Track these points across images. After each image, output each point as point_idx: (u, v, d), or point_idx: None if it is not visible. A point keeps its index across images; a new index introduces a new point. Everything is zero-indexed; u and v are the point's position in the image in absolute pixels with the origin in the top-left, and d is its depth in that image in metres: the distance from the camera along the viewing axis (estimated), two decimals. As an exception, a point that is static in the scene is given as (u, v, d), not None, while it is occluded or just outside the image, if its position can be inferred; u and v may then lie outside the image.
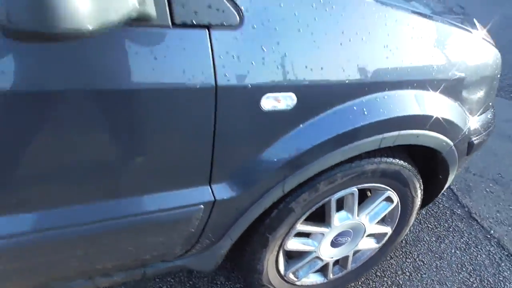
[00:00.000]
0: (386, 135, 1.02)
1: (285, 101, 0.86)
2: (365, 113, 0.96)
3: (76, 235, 0.84)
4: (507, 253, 1.74)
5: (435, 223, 1.84)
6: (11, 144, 0.70)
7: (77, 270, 0.96)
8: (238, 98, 0.81)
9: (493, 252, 1.74)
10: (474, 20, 1.27)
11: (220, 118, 0.82)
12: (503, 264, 1.69)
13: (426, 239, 1.75)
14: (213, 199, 0.93)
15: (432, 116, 1.07)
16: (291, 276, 1.31)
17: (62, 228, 0.82)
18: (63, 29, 0.48)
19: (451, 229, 1.82)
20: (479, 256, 1.71)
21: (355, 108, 0.95)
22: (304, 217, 1.15)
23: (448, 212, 1.91)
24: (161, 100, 0.76)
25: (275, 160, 0.93)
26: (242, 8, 0.77)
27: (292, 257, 1.31)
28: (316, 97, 0.90)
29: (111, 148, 0.78)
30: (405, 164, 1.18)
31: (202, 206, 0.93)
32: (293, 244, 1.21)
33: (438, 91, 1.07)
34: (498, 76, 1.26)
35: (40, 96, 0.67)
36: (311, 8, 0.84)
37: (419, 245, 1.72)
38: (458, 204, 1.96)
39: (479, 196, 2.04)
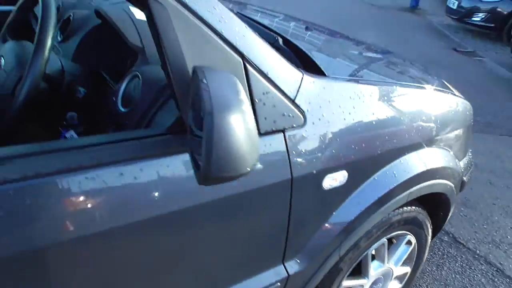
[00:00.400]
0: (411, 190, 1.20)
1: (339, 178, 1.01)
2: (395, 175, 1.14)
3: None
4: (496, 269, 1.97)
5: (431, 253, 2.03)
6: None
7: None
8: (307, 184, 0.95)
9: (485, 270, 1.96)
10: (443, 81, 1.55)
11: (294, 204, 0.95)
12: (496, 279, 1.91)
13: (428, 269, 1.94)
14: (286, 274, 1.03)
15: (440, 167, 1.28)
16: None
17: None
18: (243, 172, 0.59)
19: (445, 256, 2.02)
20: (475, 276, 1.92)
21: (387, 173, 1.12)
22: (347, 273, 1.27)
23: (437, 241, 2.12)
24: (250, 199, 0.87)
25: (334, 229, 1.07)
26: (305, 110, 0.92)
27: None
28: (361, 170, 1.06)
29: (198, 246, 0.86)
30: (419, 209, 1.37)
31: (278, 283, 1.03)
32: (339, 299, 1.32)
33: (435, 146, 1.29)
34: (472, 123, 1.52)
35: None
36: (350, 100, 1.02)
37: (425, 277, 1.89)
38: (442, 232, 2.19)
39: (456, 220, 2.29)
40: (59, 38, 1.38)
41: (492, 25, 6.88)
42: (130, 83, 0.96)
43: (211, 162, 0.56)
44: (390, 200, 1.15)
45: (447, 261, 2.00)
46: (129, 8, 1.14)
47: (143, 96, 0.89)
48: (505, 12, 6.74)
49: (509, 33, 6.69)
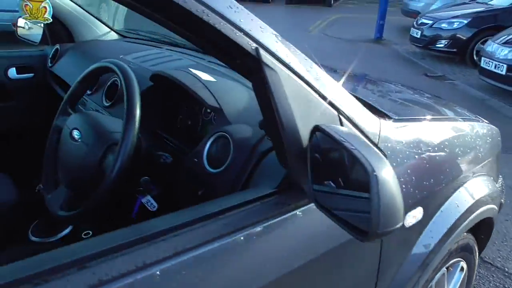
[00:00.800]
0: (471, 217, 1.25)
1: (417, 215, 1.05)
2: (458, 206, 1.19)
3: None
4: (527, 284, 2.03)
5: (464, 276, 2.08)
6: None
7: None
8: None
9: (518, 286, 2.01)
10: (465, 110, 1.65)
11: (383, 247, 0.97)
12: (530, 294, 1.97)
13: (466, 293, 1.97)
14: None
15: (488, 193, 1.34)
16: None
17: None
18: (400, 223, 0.62)
19: (478, 277, 2.07)
20: (511, 294, 1.97)
21: (451, 204, 1.17)
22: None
23: (466, 263, 2.17)
24: (347, 248, 0.89)
25: (414, 265, 1.09)
26: (386, 153, 0.96)
27: None
28: (433, 204, 1.10)
29: None
30: (470, 235, 1.42)
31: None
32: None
33: (481, 173, 1.36)
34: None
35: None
36: (417, 138, 1.08)
37: (466, 301, 1.92)
38: (468, 254, 2.25)
39: (477, 241, 2.36)
40: (105, 103, 1.39)
41: (455, 50, 7.34)
42: (214, 143, 0.98)
43: (380, 219, 0.58)
44: (456, 230, 1.19)
45: (481, 282, 2.04)
46: (192, 71, 1.18)
47: (235, 156, 0.91)
48: (465, 38, 7.22)
49: (471, 56, 7.15)
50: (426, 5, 10.48)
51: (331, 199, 0.70)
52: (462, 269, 1.48)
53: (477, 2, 8.10)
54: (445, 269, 1.35)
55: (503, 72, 5.14)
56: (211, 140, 0.98)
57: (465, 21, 7.22)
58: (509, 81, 5.13)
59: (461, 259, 1.43)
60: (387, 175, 0.61)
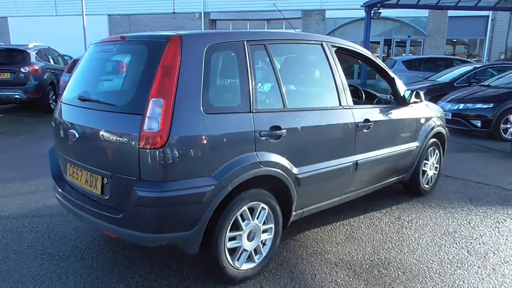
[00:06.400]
0: (435, 129, 4.45)
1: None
2: (432, 125, 4.40)
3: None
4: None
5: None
6: None
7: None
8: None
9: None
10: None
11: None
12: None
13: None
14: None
15: (440, 122, 4.55)
16: None
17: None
18: None
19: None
20: None
21: (429, 124, 4.38)
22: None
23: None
24: None
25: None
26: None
27: None
28: (426, 124, 4.30)
29: None
30: (435, 138, 4.58)
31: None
32: None
33: (437, 116, 4.55)
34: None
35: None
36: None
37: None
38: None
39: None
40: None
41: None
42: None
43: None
44: (432, 132, 4.37)
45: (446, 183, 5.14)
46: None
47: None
48: (424, 102, 10.89)
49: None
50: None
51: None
52: (435, 151, 4.59)
53: (427, 80, 11.94)
54: (432, 149, 4.46)
55: (450, 118, 8.59)
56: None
57: (423, 91, 10.96)
58: (454, 123, 8.53)
59: (435, 147, 4.55)
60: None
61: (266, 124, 2.69)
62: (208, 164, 2.43)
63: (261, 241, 2.81)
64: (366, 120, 3.47)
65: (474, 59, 19.34)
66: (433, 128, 4.39)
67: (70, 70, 9.37)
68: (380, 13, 12.93)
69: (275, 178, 2.76)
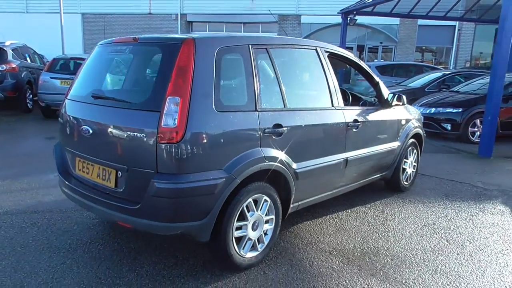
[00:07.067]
0: (414, 130, 4.80)
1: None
2: (411, 126, 4.74)
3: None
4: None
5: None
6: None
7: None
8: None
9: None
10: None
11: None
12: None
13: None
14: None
15: (418, 124, 4.89)
16: None
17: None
18: None
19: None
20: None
21: (409, 125, 4.72)
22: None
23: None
24: None
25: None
26: None
27: None
28: (406, 126, 4.63)
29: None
30: (413, 139, 4.93)
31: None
32: None
33: (415, 118, 4.90)
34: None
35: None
36: (400, 105, 4.65)
37: (418, 178, 5.35)
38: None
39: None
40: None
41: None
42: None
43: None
44: (411, 133, 4.71)
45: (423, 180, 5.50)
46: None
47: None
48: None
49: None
50: (365, 89, 15.01)
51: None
52: (413, 150, 4.94)
53: (400, 85, 12.49)
54: (411, 148, 4.81)
55: (422, 121, 9.07)
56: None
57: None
58: (426, 126, 8.96)
59: (414, 147, 4.90)
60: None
61: (269, 122, 2.90)
62: (219, 158, 2.63)
63: (263, 231, 3.02)
64: (355, 120, 3.75)
65: (441, 66, 20.26)
66: (412, 129, 4.74)
67: (50, 69, 9.28)
68: (356, 19, 13.44)
69: (276, 172, 2.97)
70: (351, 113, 3.76)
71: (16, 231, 3.47)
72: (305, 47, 3.54)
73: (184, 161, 2.49)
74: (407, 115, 4.71)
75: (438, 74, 12.34)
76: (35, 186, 4.67)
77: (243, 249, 2.89)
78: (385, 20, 20.25)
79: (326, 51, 3.68)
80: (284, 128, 2.99)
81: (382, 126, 4.27)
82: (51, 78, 8.95)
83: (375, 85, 4.32)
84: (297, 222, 3.80)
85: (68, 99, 3.20)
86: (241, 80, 2.88)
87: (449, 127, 8.58)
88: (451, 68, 21.04)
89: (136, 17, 23.03)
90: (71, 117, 3.05)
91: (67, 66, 9.53)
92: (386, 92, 4.35)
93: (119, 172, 2.69)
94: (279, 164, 2.96)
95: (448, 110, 8.67)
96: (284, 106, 3.10)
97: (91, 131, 2.80)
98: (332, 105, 3.56)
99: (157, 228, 2.59)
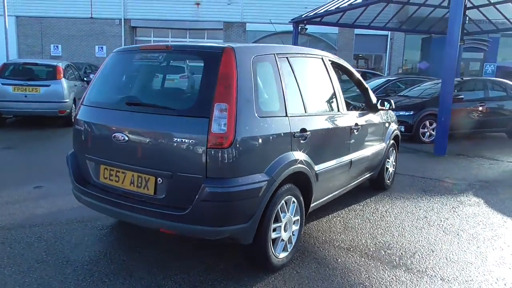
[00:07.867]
0: (394, 131, 5.18)
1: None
2: (391, 129, 5.11)
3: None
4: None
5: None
6: None
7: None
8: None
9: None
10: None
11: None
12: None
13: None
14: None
15: (396, 126, 5.29)
16: None
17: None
18: None
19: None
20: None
21: (391, 128, 5.09)
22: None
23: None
24: None
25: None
26: None
27: None
28: (388, 129, 5.00)
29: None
30: (395, 137, 5.32)
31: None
32: None
33: (392, 122, 5.30)
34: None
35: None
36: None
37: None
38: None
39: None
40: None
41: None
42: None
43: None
44: (393, 133, 5.08)
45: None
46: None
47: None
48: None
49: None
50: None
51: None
52: (393, 150, 5.33)
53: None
54: (391, 149, 5.18)
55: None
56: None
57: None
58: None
59: (393, 147, 5.29)
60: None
61: (297, 127, 3.04)
62: (261, 162, 2.71)
63: (292, 232, 3.13)
64: (356, 124, 4.01)
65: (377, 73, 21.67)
66: (393, 131, 5.13)
67: (1, 75, 8.58)
68: (307, 28, 14.01)
69: (302, 174, 3.12)
70: (352, 118, 4.01)
71: (23, 247, 3.26)
72: (314, 56, 3.73)
73: (232, 166, 2.54)
74: (389, 118, 5.08)
75: (383, 80, 13.23)
76: (19, 199, 4.37)
77: (277, 250, 2.98)
78: (325, 29, 21.24)
79: (329, 60, 3.90)
80: (308, 132, 3.14)
81: (375, 128, 4.59)
82: (2, 84, 8.29)
83: (365, 91, 4.63)
84: (305, 223, 3.95)
85: (87, 105, 3.09)
86: (272, 87, 2.99)
87: (403, 129, 9.23)
88: (385, 75, 22.56)
89: (76, 21, 21.93)
90: (96, 124, 2.96)
91: (19, 72, 8.87)
92: (374, 98, 4.67)
93: (160, 178, 2.67)
94: (305, 166, 3.10)
95: (402, 113, 9.33)
96: (305, 111, 3.25)
97: (126, 138, 2.75)
98: (339, 110, 3.78)
99: (206, 233, 2.61)
